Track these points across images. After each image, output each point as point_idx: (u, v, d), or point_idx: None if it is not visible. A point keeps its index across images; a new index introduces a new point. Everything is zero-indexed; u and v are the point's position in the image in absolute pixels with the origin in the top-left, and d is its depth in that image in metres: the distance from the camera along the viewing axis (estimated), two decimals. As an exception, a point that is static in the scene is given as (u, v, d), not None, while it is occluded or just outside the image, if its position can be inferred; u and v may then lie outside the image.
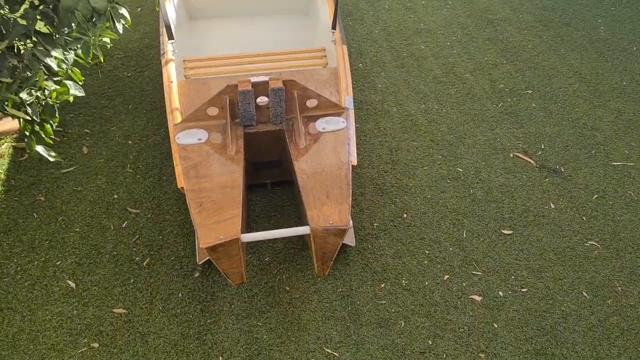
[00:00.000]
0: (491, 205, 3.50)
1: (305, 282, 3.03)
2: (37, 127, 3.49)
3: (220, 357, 2.72)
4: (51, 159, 3.56)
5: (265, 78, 3.63)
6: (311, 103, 3.31)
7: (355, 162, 3.00)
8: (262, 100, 3.27)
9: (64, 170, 3.79)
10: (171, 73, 3.77)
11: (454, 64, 4.86)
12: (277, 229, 3.34)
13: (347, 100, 3.45)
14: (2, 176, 3.74)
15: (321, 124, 3.23)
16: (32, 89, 3.25)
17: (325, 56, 4.22)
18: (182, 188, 2.88)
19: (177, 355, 2.73)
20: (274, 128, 3.29)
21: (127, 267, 3.13)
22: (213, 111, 3.26)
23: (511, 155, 3.88)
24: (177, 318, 2.87)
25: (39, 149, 3.54)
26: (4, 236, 3.31)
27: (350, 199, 2.75)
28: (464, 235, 3.29)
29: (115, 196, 3.59)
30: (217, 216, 2.67)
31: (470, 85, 4.58)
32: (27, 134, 3.36)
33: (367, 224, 3.36)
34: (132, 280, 3.06)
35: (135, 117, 4.28)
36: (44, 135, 3.54)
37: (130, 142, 4.03)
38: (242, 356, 2.73)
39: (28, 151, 3.54)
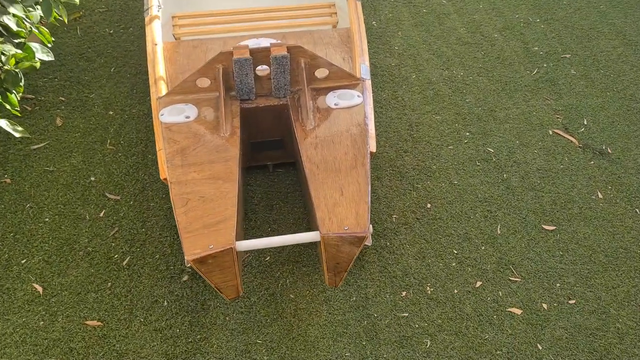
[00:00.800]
0: (529, 193, 3.00)
1: (313, 288, 2.58)
2: (-1, 98, 2.97)
3: (213, 381, 2.30)
4: (17, 135, 3.05)
5: (267, 43, 3.07)
6: (321, 73, 2.78)
7: (374, 149, 2.49)
8: (263, 69, 2.73)
9: (34, 147, 3.29)
10: (155, 33, 3.21)
11: (480, 22, 4.27)
12: (280, 220, 2.87)
13: (363, 69, 2.91)
14: (-37, 153, 3.24)
15: (332, 98, 2.71)
16: (-15, 54, 2.71)
17: (335, 13, 3.64)
18: (166, 179, 2.39)
19: (161, 378, 2.31)
20: (276, 103, 2.77)
21: (103, 267, 2.67)
22: (204, 82, 2.73)
23: (550, 132, 3.36)
24: (160, 333, 2.42)
25: (2, 123, 3.02)
26: (-39, 227, 2.85)
27: (370, 196, 2.26)
28: (498, 231, 2.82)
29: (93, 178, 3.10)
30: (207, 217, 2.19)
31: (500, 47, 4.01)
32: (-17, 107, 2.85)
33: (385, 217, 2.88)
34: (110, 284, 2.60)
35: (117, 82, 3.74)
36: (9, 107, 3.03)
37: (111, 112, 3.50)
38: (238, 380, 2.30)
39: (-11, 126, 3.03)
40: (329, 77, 2.79)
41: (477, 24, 4.25)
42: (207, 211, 2.21)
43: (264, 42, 3.17)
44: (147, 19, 3.38)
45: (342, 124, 2.59)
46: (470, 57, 3.92)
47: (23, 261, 2.69)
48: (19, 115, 3.41)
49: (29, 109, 3.54)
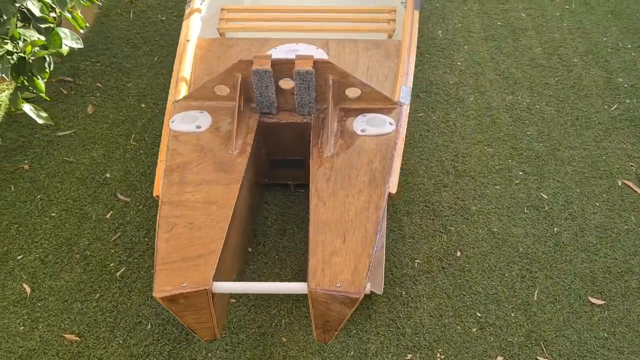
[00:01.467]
0: (580, 255, 2.58)
1: (309, 334, 2.31)
2: (25, 81, 2.88)
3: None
4: (40, 121, 2.96)
5: (292, 55, 2.80)
6: (352, 92, 2.47)
7: (394, 190, 2.18)
8: (287, 82, 2.46)
9: (60, 133, 3.20)
10: (190, 28, 3.01)
11: (560, 42, 3.78)
12: (290, 248, 2.61)
13: (404, 91, 2.58)
14: (-9, 132, 3.20)
15: (360, 123, 2.40)
16: (4, 38, 2.61)
17: (394, 20, 3.30)
18: (158, 196, 2.18)
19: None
20: (299, 120, 2.50)
21: (96, 275, 2.52)
22: (222, 90, 2.50)
23: (619, 183, 2.89)
24: (137, 360, 2.24)
25: (26, 108, 2.94)
26: (-29, 211, 2.79)
27: (376, 247, 1.95)
28: (535, 297, 2.42)
29: (108, 175, 2.96)
30: (189, 249, 1.96)
31: (578, 74, 3.53)
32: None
33: (407, 260, 2.56)
34: (98, 294, 2.45)
35: (157, 73, 3.59)
36: (35, 92, 2.94)
37: (143, 105, 3.36)
38: None
39: (13, 109, 2.96)
40: (361, 98, 2.49)
41: (556, 44, 3.76)
42: (191, 241, 1.98)
43: (303, 49, 2.90)
44: (187, 12, 3.18)
45: (365, 155, 2.28)
46: (541, 83, 3.47)
47: (19, 257, 2.59)
48: (48, 99, 3.33)
49: (65, 92, 3.46)
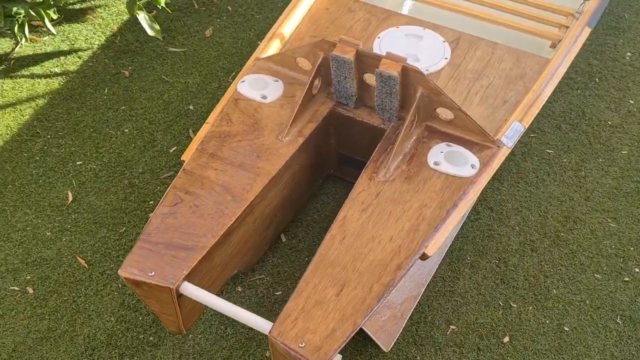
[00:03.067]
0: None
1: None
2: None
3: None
4: (150, 33, 2.92)
5: (411, 42, 2.37)
6: (444, 113, 2.04)
7: (432, 252, 1.77)
8: (372, 78, 2.09)
9: (172, 49, 3.13)
10: None
11: None
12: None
13: (513, 129, 2.07)
14: (114, 29, 3.22)
15: (437, 154, 1.98)
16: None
17: (567, 27, 2.67)
18: (184, 161, 2.00)
19: None
20: (377, 123, 2.14)
21: (132, 208, 2.47)
22: (305, 64, 2.20)
23: None
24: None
25: (140, 16, 2.90)
26: (62, 101, 2.86)
27: (369, 316, 1.61)
28: None
29: (191, 107, 2.85)
30: (180, 236, 1.78)
31: None
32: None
33: (441, 321, 2.16)
34: (124, 229, 2.40)
35: (290, 11, 3.33)
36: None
37: (259, 42, 3.16)
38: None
39: (129, 13, 2.92)
40: (453, 123, 2.04)
41: None
42: (187, 227, 1.80)
43: (426, 38, 2.44)
44: None
45: (423, 194, 1.88)
46: None
47: (79, 163, 2.63)
48: (170, 11, 3.25)
49: (196, 7, 3.36)
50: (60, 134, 2.74)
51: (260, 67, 2.27)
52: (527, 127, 2.10)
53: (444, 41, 2.45)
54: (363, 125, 2.16)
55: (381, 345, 2.01)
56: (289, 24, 2.47)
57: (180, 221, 1.80)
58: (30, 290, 2.24)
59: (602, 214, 2.46)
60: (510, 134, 2.07)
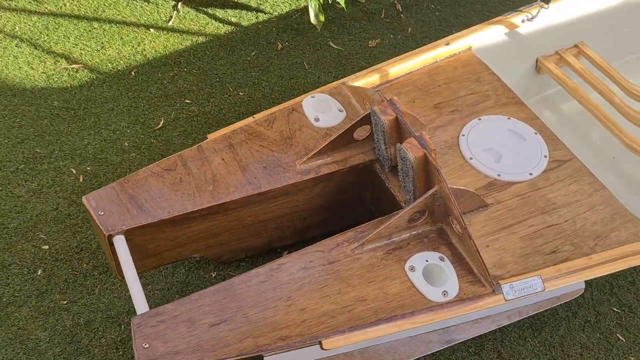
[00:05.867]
0: None
1: None
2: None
3: None
4: (312, 20, 3.02)
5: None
6: (456, 225, 1.79)
7: (328, 346, 1.61)
8: None
9: (331, 44, 3.20)
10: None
11: None
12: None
13: (525, 283, 1.75)
14: (293, 5, 3.39)
15: (421, 260, 1.77)
16: None
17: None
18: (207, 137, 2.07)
19: None
20: (399, 198, 1.97)
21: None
22: (364, 106, 2.10)
23: None
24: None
25: (312, 4, 3.01)
26: (214, 48, 3.13)
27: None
28: None
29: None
30: (148, 195, 1.89)
31: None
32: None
33: None
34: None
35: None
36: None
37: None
38: None
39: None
40: (462, 240, 1.78)
41: None
42: (158, 192, 1.91)
43: (533, 145, 2.13)
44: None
45: (368, 290, 1.72)
46: None
47: (188, 101, 2.89)
48: (345, 9, 3.28)
49: (382, 16, 3.36)
50: (195, 71, 3.02)
51: (338, 92, 2.23)
52: (558, 291, 1.75)
53: (545, 156, 2.11)
54: (388, 193, 2.01)
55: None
56: (403, 65, 2.36)
57: (158, 185, 1.91)
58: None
59: None
60: (520, 287, 1.74)
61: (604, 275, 2.33)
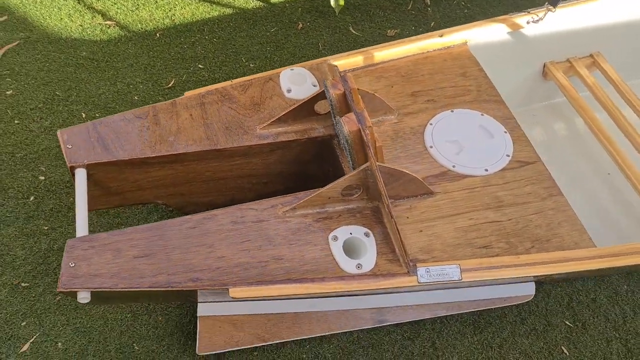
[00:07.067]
0: None
1: None
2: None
3: None
4: (332, 3, 3.09)
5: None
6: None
7: (235, 294, 1.70)
8: None
9: (351, 29, 3.26)
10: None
11: None
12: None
13: (442, 270, 1.78)
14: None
15: (345, 233, 1.83)
16: None
17: None
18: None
19: None
20: (345, 172, 2.03)
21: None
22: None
23: None
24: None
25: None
26: (235, 22, 3.27)
27: (132, 289, 1.69)
28: None
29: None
30: (116, 137, 2.05)
31: None
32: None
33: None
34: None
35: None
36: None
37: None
38: None
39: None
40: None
41: None
42: (125, 136, 2.05)
43: (500, 142, 2.13)
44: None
45: (287, 251, 1.80)
46: None
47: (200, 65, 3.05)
48: None
49: (409, 7, 3.38)
50: (215, 40, 3.18)
51: (317, 68, 2.30)
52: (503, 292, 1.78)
53: (507, 155, 2.10)
54: (340, 168, 2.06)
55: (197, 345, 2.03)
56: (390, 51, 2.39)
57: (127, 130, 2.07)
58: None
59: None
60: (436, 272, 1.76)
61: (565, 289, 2.29)
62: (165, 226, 1.82)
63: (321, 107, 2.11)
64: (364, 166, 1.80)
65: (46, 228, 2.41)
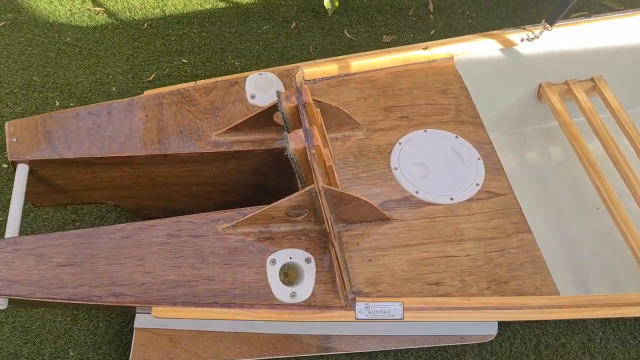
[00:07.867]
0: None
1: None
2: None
3: None
4: (326, 3, 2.97)
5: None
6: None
7: (157, 314, 1.60)
8: None
9: (346, 33, 3.12)
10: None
11: None
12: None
13: (381, 307, 1.65)
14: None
15: (285, 257, 1.71)
16: None
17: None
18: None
19: None
20: (299, 188, 1.91)
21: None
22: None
23: None
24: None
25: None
26: (230, 16, 3.16)
27: (46, 300, 1.60)
28: None
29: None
30: (67, 134, 1.95)
31: None
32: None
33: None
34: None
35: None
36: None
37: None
38: None
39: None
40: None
41: None
42: (76, 133, 1.96)
43: (470, 169, 1.97)
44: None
45: (220, 271, 1.68)
46: None
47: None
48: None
49: (410, 13, 3.22)
50: (203, 34, 3.07)
51: (288, 75, 2.17)
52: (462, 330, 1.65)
53: (477, 184, 1.94)
54: (296, 183, 1.94)
55: (130, 358, 1.93)
56: (368, 61, 2.24)
57: (77, 126, 1.97)
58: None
59: None
60: (376, 309, 1.62)
61: (534, 330, 2.14)
62: (96, 233, 1.72)
63: (281, 117, 1.98)
64: (308, 188, 1.67)
65: (2, 220, 2.35)
